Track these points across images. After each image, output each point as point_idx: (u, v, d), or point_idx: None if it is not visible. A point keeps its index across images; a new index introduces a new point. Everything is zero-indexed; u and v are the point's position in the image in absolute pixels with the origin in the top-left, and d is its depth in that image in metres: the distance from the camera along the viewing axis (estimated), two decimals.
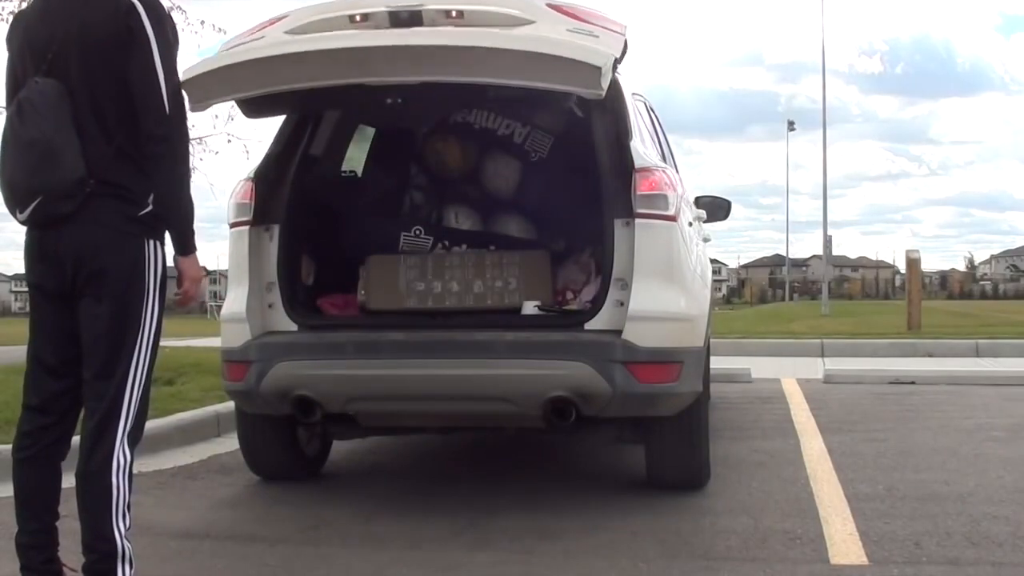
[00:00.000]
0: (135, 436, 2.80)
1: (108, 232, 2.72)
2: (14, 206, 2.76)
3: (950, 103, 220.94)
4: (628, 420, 4.02)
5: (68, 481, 4.47)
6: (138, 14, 2.71)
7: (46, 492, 2.92)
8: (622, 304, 3.76)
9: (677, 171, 4.86)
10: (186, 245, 2.85)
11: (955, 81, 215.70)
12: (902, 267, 37.31)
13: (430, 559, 3.36)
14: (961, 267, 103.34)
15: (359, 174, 4.84)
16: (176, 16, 7.52)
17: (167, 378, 7.25)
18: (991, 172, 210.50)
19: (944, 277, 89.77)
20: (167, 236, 2.85)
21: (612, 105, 4.09)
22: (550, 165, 4.54)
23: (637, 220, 3.79)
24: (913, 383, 8.22)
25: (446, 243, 4.43)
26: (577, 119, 4.44)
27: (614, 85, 4.20)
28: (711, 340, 4.86)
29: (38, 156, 2.67)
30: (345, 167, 4.80)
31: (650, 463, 4.21)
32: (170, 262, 2.91)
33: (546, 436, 4.83)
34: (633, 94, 4.41)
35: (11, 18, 3.71)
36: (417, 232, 4.45)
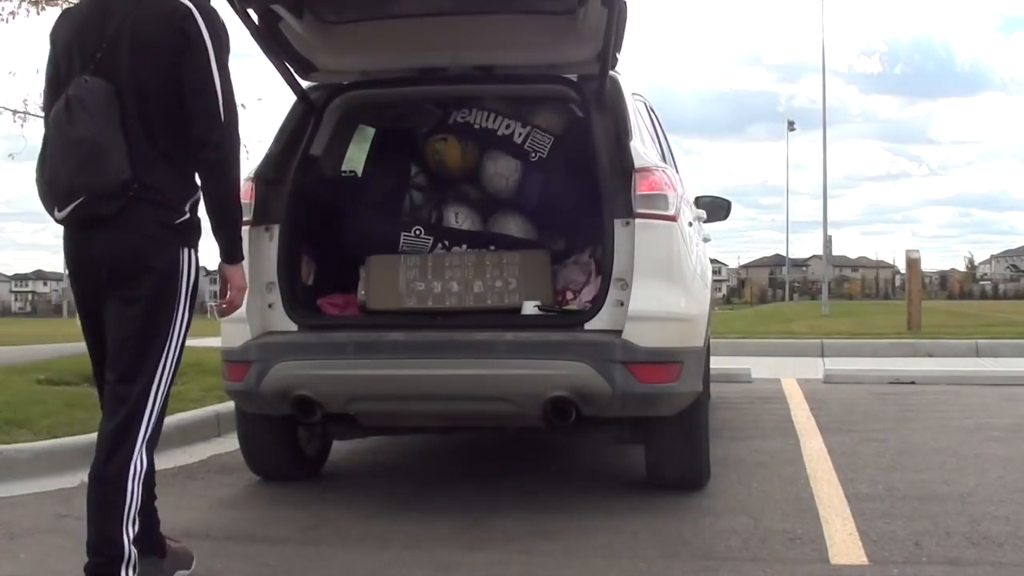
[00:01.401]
0: (153, 441, 2.79)
1: (145, 239, 2.71)
2: (52, 203, 2.73)
3: (950, 103, 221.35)
4: (628, 420, 4.02)
5: (68, 481, 4.48)
6: (195, 20, 2.71)
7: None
8: (622, 304, 3.76)
9: (677, 171, 4.86)
10: (234, 253, 2.88)
11: (955, 81, 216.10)
12: (902, 267, 37.30)
13: (430, 559, 3.36)
14: (961, 267, 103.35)
15: (359, 174, 4.84)
16: None
17: None
18: (991, 172, 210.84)
19: (944, 277, 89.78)
20: (211, 242, 2.86)
21: (612, 105, 4.10)
22: (550, 165, 4.54)
23: (637, 220, 3.79)
24: (913, 383, 8.22)
25: (446, 243, 4.43)
26: (577, 119, 4.45)
27: (614, 85, 4.21)
28: (711, 340, 4.86)
29: (84, 155, 2.65)
30: (345, 167, 4.80)
31: (650, 463, 4.21)
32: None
33: (546, 436, 4.83)
34: (633, 94, 4.42)
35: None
36: (417, 232, 4.45)
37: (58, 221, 2.76)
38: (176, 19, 2.71)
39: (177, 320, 2.78)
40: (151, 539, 2.93)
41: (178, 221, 2.76)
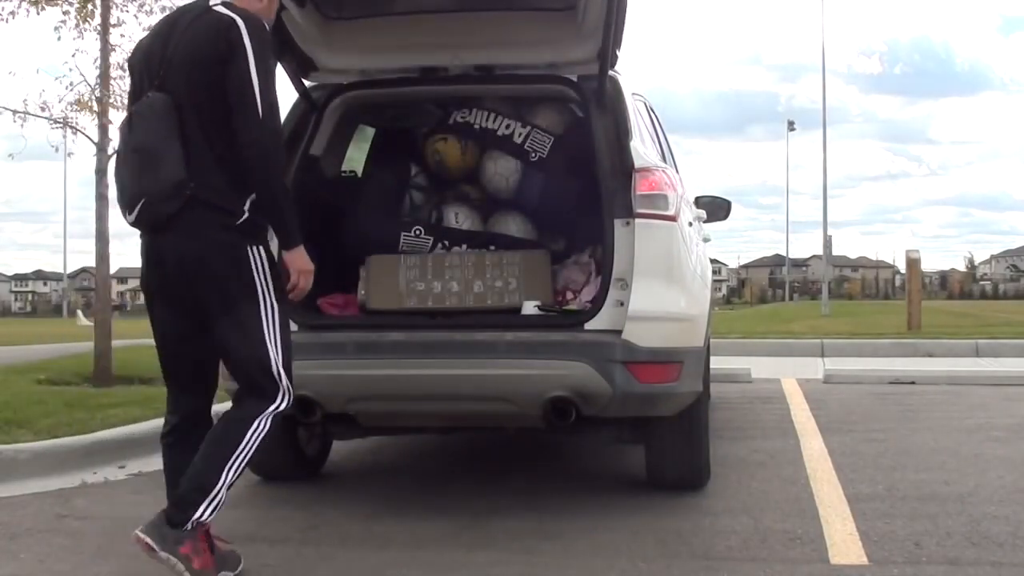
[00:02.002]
0: (277, 419, 3.05)
1: (211, 243, 2.96)
2: (124, 208, 3.01)
3: (950, 103, 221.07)
4: (628, 420, 4.02)
5: (68, 481, 4.48)
6: (238, 28, 2.93)
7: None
8: (622, 304, 3.75)
9: (677, 171, 4.86)
10: (286, 240, 3.08)
11: (955, 81, 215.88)
12: (902, 267, 37.30)
13: (430, 559, 3.36)
14: (961, 267, 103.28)
15: (359, 174, 4.84)
16: None
17: None
18: (991, 172, 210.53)
19: (944, 277, 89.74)
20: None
21: (612, 105, 4.10)
22: (550, 165, 4.54)
23: (637, 220, 3.79)
24: (913, 383, 8.22)
25: (446, 243, 4.43)
26: (577, 119, 4.45)
27: (614, 85, 4.21)
28: (711, 340, 4.86)
29: (143, 161, 2.92)
30: (345, 167, 4.80)
31: (650, 463, 4.21)
32: None
33: (546, 436, 4.83)
34: (633, 94, 4.41)
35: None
36: (417, 232, 4.44)
37: (131, 224, 3.03)
38: (222, 30, 2.94)
39: (266, 309, 3.01)
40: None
41: (239, 222, 2.98)
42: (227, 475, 2.95)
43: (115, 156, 3.04)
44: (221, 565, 3.06)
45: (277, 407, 3.04)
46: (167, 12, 7.31)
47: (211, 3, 3.04)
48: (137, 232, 3.12)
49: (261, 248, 3.03)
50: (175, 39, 3.01)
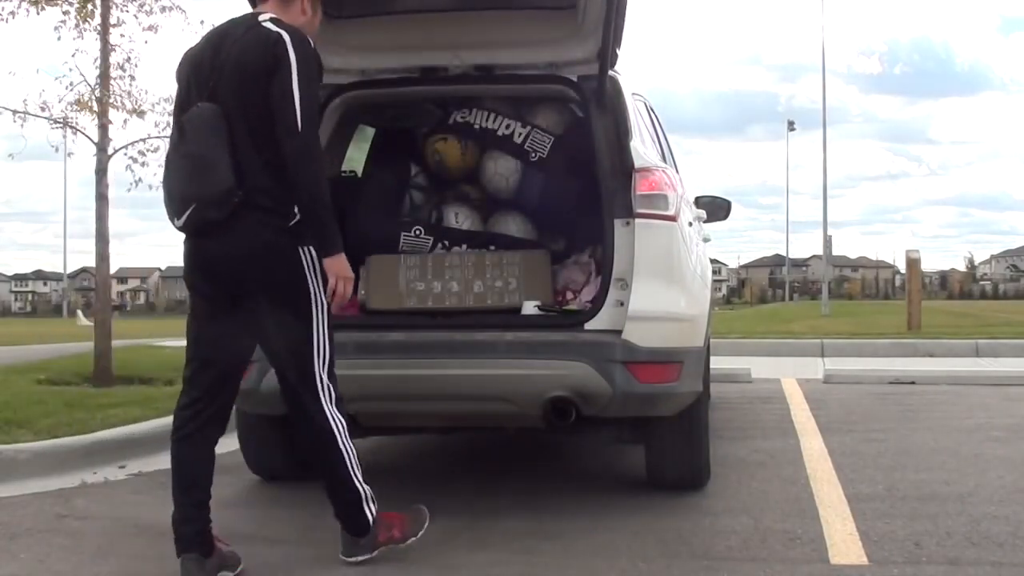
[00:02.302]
0: (339, 402, 3.21)
1: (263, 245, 3.08)
2: (172, 213, 3.11)
3: (950, 103, 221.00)
4: (628, 420, 4.02)
5: (68, 481, 4.48)
6: (284, 43, 3.07)
7: (197, 469, 3.24)
8: (622, 304, 3.76)
9: (677, 171, 4.86)
10: (326, 247, 3.14)
11: (955, 81, 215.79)
12: (902, 267, 37.31)
13: (430, 559, 3.36)
14: (961, 267, 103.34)
15: (359, 174, 4.84)
16: (176, 16, 7.52)
17: (167, 378, 7.24)
18: (991, 172, 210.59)
19: (944, 277, 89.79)
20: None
21: (612, 105, 4.10)
22: (550, 165, 4.54)
23: (637, 220, 3.79)
24: (913, 383, 8.22)
25: (446, 243, 4.43)
26: (577, 119, 4.45)
27: (614, 84, 4.21)
28: (711, 340, 4.86)
29: (193, 168, 3.04)
30: (345, 167, 4.80)
31: (650, 463, 4.21)
32: None
33: (546, 436, 4.83)
34: (633, 94, 4.41)
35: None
36: (417, 232, 4.44)
37: (178, 228, 3.13)
38: (269, 44, 3.07)
39: (317, 308, 3.15)
40: (200, 537, 3.17)
41: (291, 224, 3.11)
42: (356, 474, 3.24)
43: (164, 163, 3.17)
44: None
45: (329, 404, 3.19)
46: (166, 12, 7.43)
47: (259, 18, 3.17)
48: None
49: (312, 248, 3.14)
50: (225, 51, 3.14)
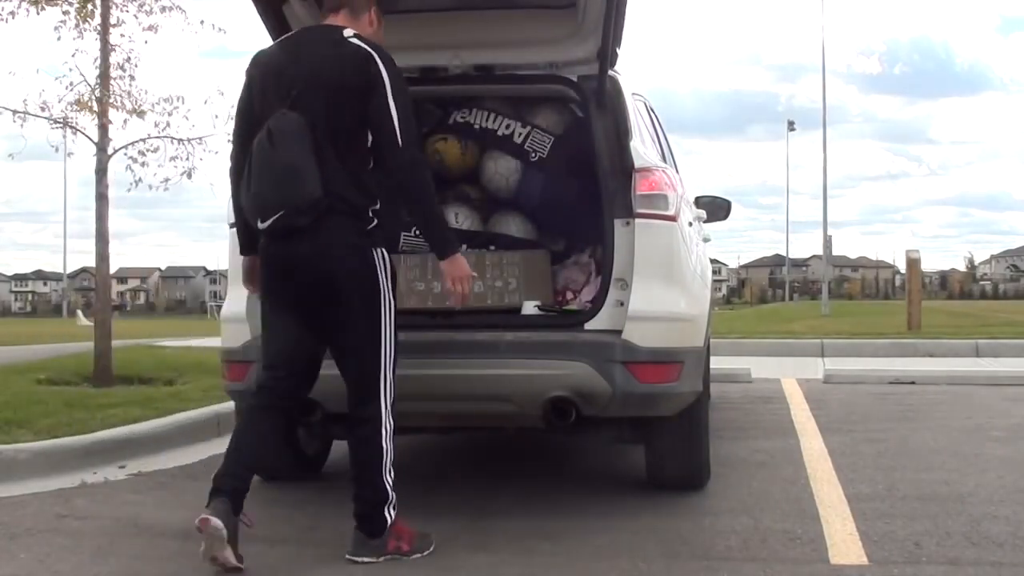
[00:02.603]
0: (395, 404, 3.34)
1: (344, 247, 3.26)
2: (256, 216, 3.28)
3: (949, 103, 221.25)
4: (628, 420, 4.01)
5: (68, 481, 4.48)
6: (375, 61, 3.26)
7: (255, 440, 3.43)
8: (622, 304, 3.75)
9: (677, 171, 4.86)
10: (441, 250, 3.42)
11: (954, 81, 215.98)
12: (902, 267, 37.33)
13: (430, 559, 3.36)
14: (961, 267, 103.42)
15: None
16: (176, 16, 7.52)
17: (167, 378, 7.25)
18: (991, 172, 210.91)
19: (944, 277, 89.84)
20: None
21: (612, 105, 4.09)
22: (550, 165, 4.53)
23: (637, 220, 3.79)
24: (913, 383, 8.22)
25: None
26: (577, 119, 4.44)
27: (614, 84, 4.21)
28: (711, 340, 4.86)
29: (285, 176, 3.19)
30: None
31: (650, 463, 4.21)
32: None
33: (546, 436, 4.82)
34: (633, 94, 4.41)
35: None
36: (417, 232, 4.44)
37: (262, 231, 3.31)
38: (361, 63, 3.26)
39: (385, 307, 3.31)
40: (235, 493, 3.27)
41: (368, 228, 3.31)
42: (387, 479, 3.31)
43: (249, 167, 3.27)
44: (399, 537, 3.35)
45: (386, 404, 3.32)
46: (166, 12, 7.43)
47: (345, 34, 3.34)
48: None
49: (384, 251, 3.34)
50: (305, 60, 3.31)
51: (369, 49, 3.29)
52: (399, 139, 3.25)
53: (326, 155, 3.22)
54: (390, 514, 3.33)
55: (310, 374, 3.46)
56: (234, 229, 4.12)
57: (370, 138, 3.31)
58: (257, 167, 3.26)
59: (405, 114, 3.28)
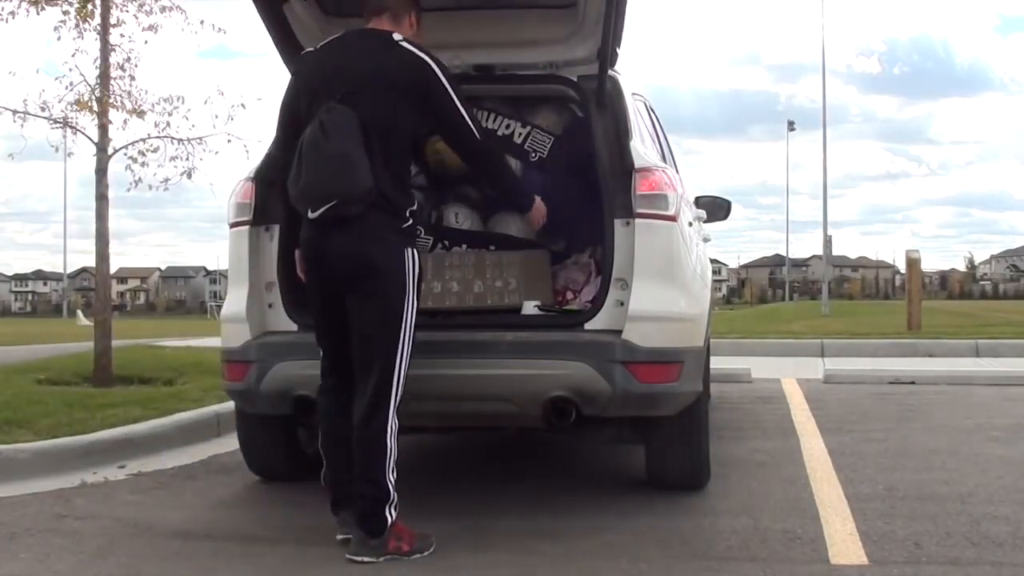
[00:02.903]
0: (401, 403, 3.40)
1: (379, 241, 3.36)
2: (306, 206, 3.37)
3: (949, 103, 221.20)
4: (628, 420, 4.02)
5: (68, 481, 4.48)
6: (432, 69, 3.44)
7: (346, 433, 3.46)
8: (622, 304, 3.75)
9: (677, 171, 4.86)
10: (523, 204, 4.08)
11: (954, 81, 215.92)
12: (902, 267, 37.32)
13: (430, 560, 3.36)
14: (961, 267, 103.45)
15: None
16: (176, 16, 7.52)
17: (167, 378, 7.25)
18: (991, 172, 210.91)
19: (944, 277, 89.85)
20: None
21: (612, 105, 4.09)
22: (550, 165, 4.53)
23: (637, 220, 3.79)
24: (913, 383, 8.22)
25: (446, 243, 4.42)
26: (577, 119, 4.44)
27: (614, 84, 4.21)
28: (711, 340, 4.86)
29: (338, 166, 3.28)
30: None
31: (650, 463, 4.21)
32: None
33: (546, 436, 4.82)
34: (633, 94, 4.41)
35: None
36: (417, 232, 4.44)
37: (310, 220, 3.40)
38: (417, 68, 3.42)
39: (407, 305, 3.39)
40: (350, 497, 3.43)
41: (404, 226, 3.42)
42: (390, 479, 3.35)
43: (298, 158, 3.35)
44: (399, 537, 3.40)
45: (394, 402, 3.38)
46: (166, 12, 7.43)
47: (395, 37, 3.47)
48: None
49: (415, 251, 3.45)
50: (356, 61, 3.44)
51: (423, 56, 3.44)
52: (475, 132, 3.58)
53: (374, 152, 3.33)
54: (391, 514, 3.35)
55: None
56: (234, 229, 4.14)
57: (422, 139, 3.69)
58: (309, 159, 3.32)
59: (470, 112, 3.56)
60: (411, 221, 3.46)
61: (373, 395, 3.36)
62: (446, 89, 3.45)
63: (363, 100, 3.36)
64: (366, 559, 3.32)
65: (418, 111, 3.47)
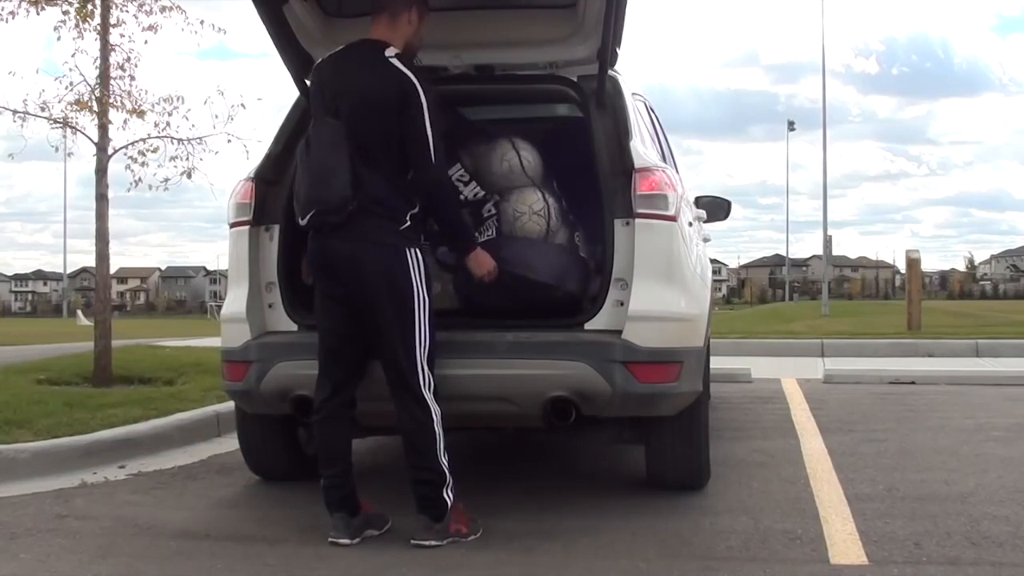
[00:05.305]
0: (437, 391, 3.54)
1: (378, 246, 3.49)
2: (299, 213, 3.58)
3: (949, 103, 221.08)
4: (628, 420, 4.02)
5: (68, 481, 4.48)
6: (414, 85, 3.53)
7: (338, 444, 3.65)
8: (622, 304, 3.76)
9: (677, 171, 4.86)
10: (463, 248, 3.83)
11: (953, 81, 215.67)
12: (902, 267, 37.36)
13: (430, 559, 3.36)
14: (961, 267, 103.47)
15: None
16: (176, 16, 7.52)
17: (167, 378, 7.25)
18: (991, 172, 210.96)
19: (944, 277, 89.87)
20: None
21: (612, 105, 4.09)
22: (550, 165, 4.53)
23: (637, 220, 3.79)
24: (913, 383, 8.22)
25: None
26: (577, 119, 4.44)
27: (614, 84, 4.21)
28: (711, 340, 4.86)
29: (318, 177, 3.51)
30: None
31: (650, 463, 4.21)
32: None
33: (546, 436, 4.82)
34: (633, 94, 4.41)
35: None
36: (419, 234, 4.43)
37: (303, 226, 3.60)
38: (400, 84, 3.53)
39: (419, 302, 3.51)
40: (345, 499, 3.60)
41: (402, 228, 3.53)
42: (444, 461, 3.50)
43: (294, 167, 3.65)
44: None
45: (428, 389, 3.51)
46: (166, 12, 7.43)
47: (386, 53, 3.59)
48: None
49: (418, 251, 3.55)
50: (347, 74, 3.63)
51: (409, 75, 3.54)
52: (431, 157, 3.54)
53: (363, 162, 3.49)
54: (448, 496, 3.49)
55: (357, 373, 3.65)
56: (235, 229, 4.15)
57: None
58: (299, 170, 3.62)
59: (436, 137, 3.55)
60: (409, 223, 3.55)
61: (407, 389, 3.50)
62: (422, 109, 3.52)
63: (353, 113, 3.54)
64: (432, 543, 3.44)
65: (401, 124, 3.58)
